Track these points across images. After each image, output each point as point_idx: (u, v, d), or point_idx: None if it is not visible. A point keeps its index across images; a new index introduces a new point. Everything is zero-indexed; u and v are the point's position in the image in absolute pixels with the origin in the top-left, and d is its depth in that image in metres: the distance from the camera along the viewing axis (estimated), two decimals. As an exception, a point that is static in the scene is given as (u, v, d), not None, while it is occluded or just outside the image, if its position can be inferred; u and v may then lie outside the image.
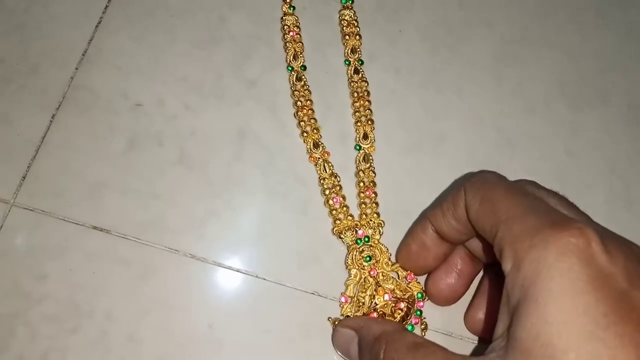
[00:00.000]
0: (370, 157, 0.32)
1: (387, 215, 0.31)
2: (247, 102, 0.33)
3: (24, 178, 0.30)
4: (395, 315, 0.29)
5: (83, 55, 0.33)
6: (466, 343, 0.30)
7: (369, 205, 0.31)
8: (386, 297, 0.29)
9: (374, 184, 0.32)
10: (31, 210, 0.30)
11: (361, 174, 0.32)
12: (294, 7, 0.35)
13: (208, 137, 0.32)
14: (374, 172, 0.32)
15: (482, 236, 0.24)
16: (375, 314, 0.29)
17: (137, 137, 0.32)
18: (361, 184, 0.32)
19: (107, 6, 0.34)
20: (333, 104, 0.34)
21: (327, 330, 0.29)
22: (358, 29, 0.35)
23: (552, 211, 0.22)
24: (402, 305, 0.29)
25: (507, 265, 0.21)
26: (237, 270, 0.30)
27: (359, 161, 0.32)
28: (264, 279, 0.30)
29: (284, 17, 0.35)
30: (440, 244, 0.28)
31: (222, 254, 0.30)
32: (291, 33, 0.34)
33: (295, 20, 0.35)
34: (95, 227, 0.30)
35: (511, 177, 0.32)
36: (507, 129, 0.34)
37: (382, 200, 0.32)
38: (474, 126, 0.34)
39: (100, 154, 0.31)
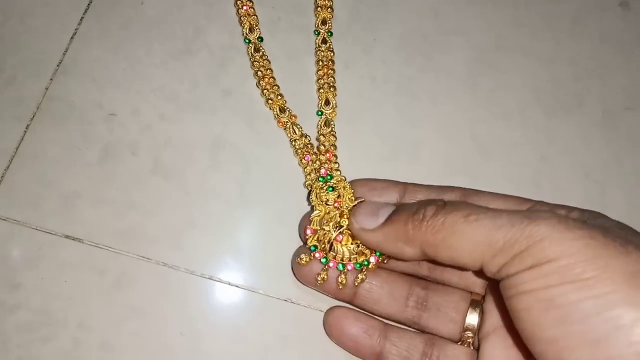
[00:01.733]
0: (332, 122, 0.33)
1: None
2: (223, 111, 0.33)
3: (-2, 188, 0.30)
4: None
5: (58, 66, 0.33)
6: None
7: (330, 166, 0.32)
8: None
9: (335, 147, 0.32)
10: (4, 220, 0.30)
11: (322, 137, 0.32)
12: None
13: (183, 146, 0.32)
14: (334, 136, 0.33)
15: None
16: (340, 236, 0.29)
17: (111, 147, 0.32)
18: (322, 147, 0.32)
19: (82, 17, 0.34)
20: (307, 110, 0.34)
21: (301, 337, 0.29)
22: (331, 2, 0.36)
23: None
24: None
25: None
26: (210, 278, 0.30)
27: (321, 126, 0.33)
28: (237, 286, 0.30)
29: None
30: None
31: (197, 263, 0.30)
32: (244, 7, 0.35)
33: None
34: (68, 237, 0.30)
35: (487, 184, 0.32)
36: (483, 136, 0.34)
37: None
38: (450, 134, 0.34)
39: (75, 164, 0.31)
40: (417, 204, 0.25)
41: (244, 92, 0.34)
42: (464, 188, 0.29)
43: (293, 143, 0.32)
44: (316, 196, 0.30)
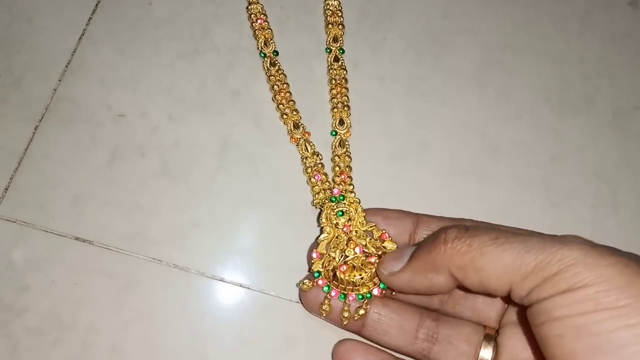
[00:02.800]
0: (347, 143, 0.32)
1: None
2: (231, 112, 0.33)
3: (7, 190, 0.30)
4: (366, 269, 0.28)
5: (66, 67, 0.33)
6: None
7: (344, 187, 0.31)
8: (357, 250, 0.28)
9: (350, 169, 0.32)
10: (13, 222, 0.30)
11: (337, 158, 0.32)
12: None
13: (191, 147, 0.32)
14: (349, 157, 0.32)
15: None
16: (345, 267, 0.28)
17: (119, 149, 0.32)
18: (337, 169, 0.32)
19: (90, 18, 0.34)
20: (315, 111, 0.34)
21: (312, 338, 0.29)
22: (342, 19, 0.35)
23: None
24: (373, 259, 0.28)
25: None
26: (221, 280, 0.30)
27: (335, 146, 0.32)
28: (248, 288, 0.30)
29: (249, 7, 0.35)
30: None
31: (205, 264, 0.30)
32: (259, 21, 0.35)
33: (261, 8, 0.35)
34: (77, 238, 0.30)
35: (496, 184, 0.32)
36: (492, 135, 0.34)
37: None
38: (459, 133, 0.34)
39: (83, 166, 0.31)
40: (438, 231, 0.24)
41: (252, 93, 0.34)
42: (477, 221, 0.28)
43: (304, 161, 0.32)
44: (326, 217, 0.29)
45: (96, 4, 0.35)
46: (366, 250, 0.28)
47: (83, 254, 0.29)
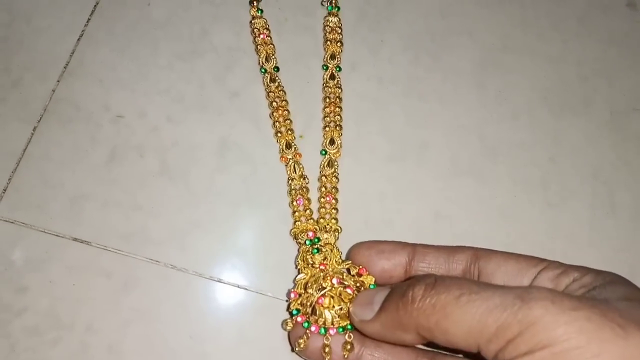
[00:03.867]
0: (335, 163, 0.32)
1: (369, 223, 0.31)
2: (230, 113, 0.33)
3: (5, 190, 0.30)
4: (345, 300, 0.27)
5: (65, 68, 0.33)
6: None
7: (328, 210, 0.31)
8: (334, 281, 0.28)
9: (336, 190, 0.32)
10: (12, 222, 0.30)
11: (324, 179, 0.32)
12: (261, 10, 0.35)
13: (190, 148, 0.32)
14: (337, 178, 0.32)
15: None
16: (323, 299, 0.27)
17: (118, 149, 0.32)
18: (323, 189, 0.31)
19: (89, 19, 0.34)
20: (312, 111, 0.34)
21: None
22: (340, 36, 0.35)
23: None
24: (349, 291, 0.27)
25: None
26: (219, 281, 0.30)
27: (324, 166, 0.32)
28: (246, 289, 0.30)
29: (252, 21, 0.35)
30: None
31: (203, 265, 0.30)
32: (261, 36, 0.35)
33: (265, 22, 0.35)
34: (75, 239, 0.30)
35: (494, 185, 0.32)
36: (490, 136, 0.34)
37: (364, 209, 0.32)
38: (457, 134, 0.34)
39: (82, 166, 0.31)
40: (407, 284, 0.23)
41: (251, 94, 0.34)
42: (475, 248, 0.27)
43: (290, 182, 0.32)
44: (302, 259, 0.29)
45: (95, 5, 0.35)
46: (343, 282, 0.28)
47: (81, 254, 0.30)
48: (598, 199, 0.33)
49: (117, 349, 0.28)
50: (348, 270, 0.28)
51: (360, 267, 0.28)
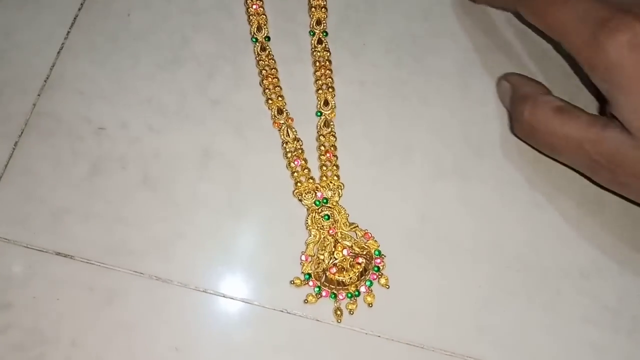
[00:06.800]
0: (331, 123, 0.33)
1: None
2: (212, 121, 0.33)
3: (-14, 207, 0.30)
4: (355, 269, 0.30)
5: (45, 81, 0.33)
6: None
7: (330, 167, 0.32)
8: (344, 252, 0.30)
9: (335, 148, 0.32)
10: (-6, 239, 0.30)
11: (322, 138, 0.33)
12: None
13: (172, 158, 0.32)
14: (334, 137, 0.33)
15: None
16: (334, 269, 0.30)
17: (100, 162, 0.31)
18: (322, 148, 0.32)
19: (69, 32, 0.34)
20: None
21: (298, 348, 0.29)
22: (325, 2, 0.36)
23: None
24: (360, 260, 0.30)
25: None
26: (204, 291, 0.30)
27: (320, 126, 0.33)
28: (232, 298, 0.30)
29: None
30: None
31: (188, 276, 0.30)
32: (254, 6, 0.35)
33: None
34: (58, 253, 0.30)
35: (480, 186, 0.32)
36: (475, 137, 0.34)
37: (352, 217, 0.31)
38: (442, 136, 0.34)
39: (64, 180, 0.31)
40: None
41: (232, 102, 0.33)
42: None
43: (284, 145, 0.32)
44: (311, 220, 0.31)
45: (74, 17, 0.35)
46: (352, 252, 0.30)
47: (65, 268, 0.29)
48: (586, 197, 0.33)
49: (102, 363, 0.28)
50: (355, 233, 0.31)
51: (366, 231, 0.31)
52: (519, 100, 0.31)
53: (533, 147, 0.32)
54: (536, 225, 0.32)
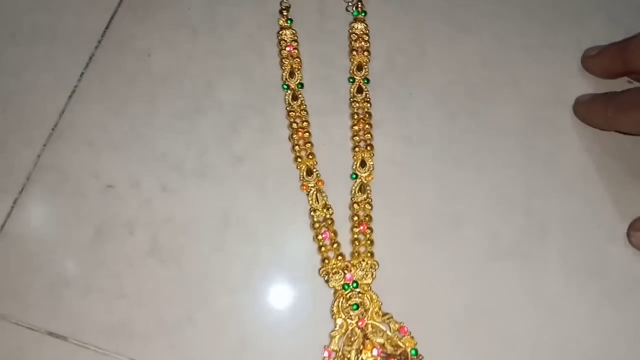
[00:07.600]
0: (368, 187, 0.29)
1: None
2: (233, 181, 0.29)
3: (-23, 275, 0.27)
4: None
5: (53, 129, 0.30)
6: None
7: (363, 242, 0.28)
8: (374, 352, 0.26)
9: (370, 219, 0.28)
10: (-17, 312, 0.27)
11: (356, 206, 0.29)
12: (291, 20, 0.32)
13: (186, 223, 0.28)
14: (370, 205, 0.29)
15: None
16: None
17: (105, 225, 0.28)
18: (355, 218, 0.28)
19: (83, 73, 0.31)
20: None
21: None
22: (368, 45, 0.32)
23: None
24: None
25: None
26: (212, 386, 0.26)
27: (355, 192, 0.29)
28: (244, 395, 0.26)
29: (280, 31, 0.32)
30: None
31: (196, 365, 0.26)
32: (288, 48, 0.31)
33: (293, 34, 0.32)
34: (51, 333, 0.26)
35: (543, 271, 0.27)
36: (539, 210, 0.29)
37: (384, 300, 0.27)
38: (498, 208, 0.29)
39: (65, 246, 0.28)
40: None
41: (257, 159, 0.30)
42: None
43: (312, 213, 0.28)
44: (338, 308, 0.27)
45: (90, 56, 0.31)
46: (384, 352, 0.26)
47: (56, 351, 0.26)
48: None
49: None
50: (389, 326, 0.27)
51: (402, 324, 0.26)
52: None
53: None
54: (611, 325, 0.27)
